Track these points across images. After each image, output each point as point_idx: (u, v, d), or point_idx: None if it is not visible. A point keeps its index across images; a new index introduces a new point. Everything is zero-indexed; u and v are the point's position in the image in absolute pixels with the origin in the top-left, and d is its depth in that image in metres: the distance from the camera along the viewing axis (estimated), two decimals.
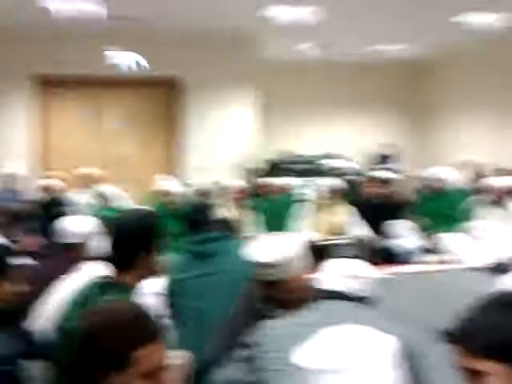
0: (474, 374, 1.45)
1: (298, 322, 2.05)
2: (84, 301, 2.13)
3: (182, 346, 3.06)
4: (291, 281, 2.36)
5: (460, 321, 1.50)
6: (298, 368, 1.25)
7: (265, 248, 2.38)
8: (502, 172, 8.55)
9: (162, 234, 2.32)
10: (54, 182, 7.19)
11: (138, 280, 2.25)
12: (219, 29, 8.75)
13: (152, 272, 2.30)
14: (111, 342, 1.38)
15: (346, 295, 2.14)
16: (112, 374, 1.37)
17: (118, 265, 2.24)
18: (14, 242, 5.25)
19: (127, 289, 2.16)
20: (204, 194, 6.87)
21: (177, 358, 2.94)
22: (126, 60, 8.11)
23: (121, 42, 8.19)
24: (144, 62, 8.18)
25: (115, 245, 2.27)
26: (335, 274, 2.20)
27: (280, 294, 2.35)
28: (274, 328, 2.07)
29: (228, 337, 2.50)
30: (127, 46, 8.14)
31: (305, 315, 2.10)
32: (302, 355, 1.27)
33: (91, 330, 1.42)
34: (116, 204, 6.96)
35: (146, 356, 1.38)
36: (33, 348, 2.59)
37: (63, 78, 8.76)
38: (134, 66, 8.19)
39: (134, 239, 2.23)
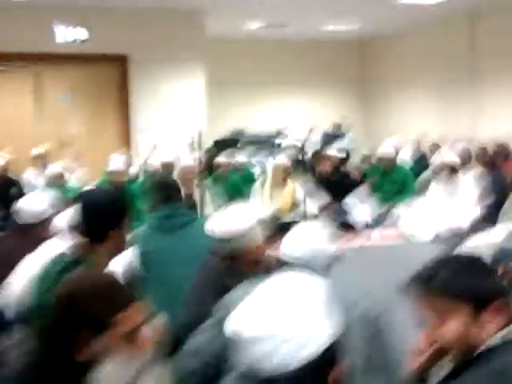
0: (439, 314, 1.50)
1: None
2: (48, 277, 2.13)
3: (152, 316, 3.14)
4: (249, 253, 2.40)
5: (425, 268, 1.57)
6: (230, 335, 1.22)
7: (222, 222, 2.43)
8: (449, 145, 8.83)
9: (129, 210, 2.37)
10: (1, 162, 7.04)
11: (110, 255, 2.28)
12: (169, 3, 8.68)
13: (121, 247, 2.36)
14: (92, 307, 1.47)
15: (304, 265, 2.18)
16: (93, 337, 1.45)
17: (92, 238, 2.25)
18: None
19: (94, 265, 2.17)
20: (169, 168, 6.91)
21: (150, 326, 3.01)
22: (73, 36, 7.89)
23: (64, 18, 7.98)
24: (92, 38, 7.99)
25: (89, 219, 2.27)
26: (294, 245, 2.29)
27: (240, 267, 2.39)
28: (236, 297, 2.12)
29: (194, 308, 2.55)
30: (74, 22, 7.94)
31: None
32: (232, 322, 1.24)
33: (72, 296, 1.51)
34: (70, 182, 6.90)
35: (124, 319, 1.48)
36: None
37: (3, 55, 8.48)
38: (80, 42, 7.98)
39: (108, 213, 2.27)
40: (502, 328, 1.48)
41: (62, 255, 2.25)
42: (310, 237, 2.31)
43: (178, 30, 9.05)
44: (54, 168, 6.78)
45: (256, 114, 11.87)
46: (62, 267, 2.13)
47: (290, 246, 2.32)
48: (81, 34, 7.91)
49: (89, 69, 8.99)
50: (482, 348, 1.47)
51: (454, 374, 1.51)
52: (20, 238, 3.53)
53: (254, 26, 10.55)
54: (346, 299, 2.12)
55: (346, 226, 6.62)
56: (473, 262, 1.57)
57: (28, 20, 8.29)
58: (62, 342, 1.47)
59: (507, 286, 1.70)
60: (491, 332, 1.47)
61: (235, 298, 2.09)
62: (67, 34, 7.88)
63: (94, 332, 1.45)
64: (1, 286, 3.10)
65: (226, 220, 2.43)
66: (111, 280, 1.58)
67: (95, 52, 8.56)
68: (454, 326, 1.48)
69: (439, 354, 1.56)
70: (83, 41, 7.92)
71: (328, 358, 1.19)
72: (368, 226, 6.86)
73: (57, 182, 6.39)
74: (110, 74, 9.13)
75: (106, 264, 2.26)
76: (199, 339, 2.13)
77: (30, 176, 7.47)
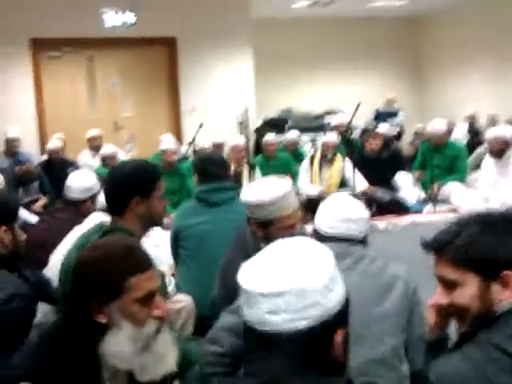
0: (449, 283, 1.51)
1: None
2: (84, 244, 2.13)
3: (186, 289, 3.19)
4: (286, 217, 2.42)
5: (442, 232, 1.56)
6: (243, 291, 1.19)
7: (258, 189, 2.46)
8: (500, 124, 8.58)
9: (159, 182, 2.28)
10: (57, 144, 7.26)
11: (139, 226, 2.23)
12: None
13: (152, 218, 2.26)
14: (105, 272, 1.49)
15: (343, 237, 2.16)
16: (107, 302, 1.49)
17: (112, 211, 2.26)
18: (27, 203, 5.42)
19: (128, 233, 2.16)
20: (219, 146, 7.08)
21: (179, 302, 3.06)
22: (121, 20, 8.00)
23: (112, 2, 8.10)
24: (140, 22, 8.08)
25: (108, 191, 2.29)
26: (332, 217, 2.22)
27: (276, 232, 2.40)
28: None
29: (228, 280, 2.54)
30: (119, 7, 8.04)
31: None
32: (244, 277, 1.20)
33: (85, 262, 1.54)
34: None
35: (138, 284, 1.50)
36: (40, 292, 2.72)
37: (55, 41, 8.69)
38: (129, 26, 8.09)
39: (124, 184, 2.22)
40: None
41: (99, 225, 2.29)
42: (344, 207, 2.24)
43: (225, 12, 9.08)
44: (107, 149, 6.96)
45: (305, 94, 11.76)
46: (98, 236, 2.16)
47: (323, 217, 2.25)
48: (129, 18, 8.02)
49: (138, 52, 9.12)
50: (492, 315, 1.47)
51: (463, 339, 1.51)
52: (70, 213, 3.66)
53: (300, 4, 10.45)
54: (387, 270, 2.14)
55: (395, 203, 6.56)
56: (496, 223, 1.51)
57: (77, 6, 8.46)
58: (79, 306, 1.51)
59: None
60: (503, 301, 1.47)
61: None
62: (116, 19, 8.01)
63: (108, 296, 1.49)
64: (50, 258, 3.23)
65: (262, 187, 2.47)
66: (126, 244, 1.56)
67: (144, 35, 8.67)
68: (465, 293, 1.49)
69: (450, 315, 1.56)
70: (131, 24, 8.03)
71: (336, 320, 1.15)
72: (415, 205, 6.78)
73: (110, 162, 6.54)
74: (160, 57, 9.24)
75: (141, 233, 2.25)
76: (232, 319, 2.05)
77: (85, 157, 7.71)
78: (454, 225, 1.55)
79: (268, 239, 2.44)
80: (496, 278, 1.46)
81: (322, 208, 2.26)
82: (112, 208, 2.26)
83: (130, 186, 2.21)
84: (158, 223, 2.38)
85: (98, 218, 3.04)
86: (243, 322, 1.18)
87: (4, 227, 2.46)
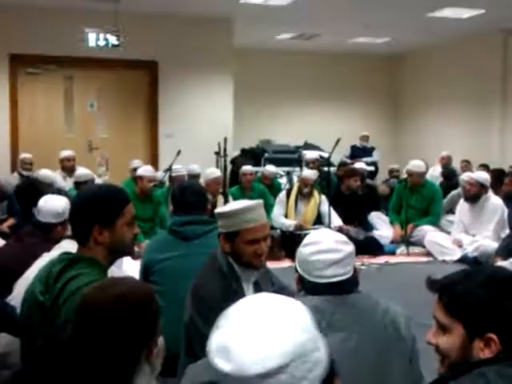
0: (441, 326, 1.54)
1: None
2: (47, 276, 2.05)
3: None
4: (249, 231, 2.47)
5: (448, 276, 1.57)
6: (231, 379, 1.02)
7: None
8: (477, 167, 8.68)
9: (126, 208, 2.16)
10: (29, 161, 7.14)
11: (104, 255, 2.12)
12: (197, 13, 8.72)
13: (117, 247, 2.14)
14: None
15: (332, 283, 2.01)
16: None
17: (77, 239, 2.15)
18: None
19: (96, 263, 2.07)
20: (195, 177, 6.98)
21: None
22: (101, 41, 7.93)
23: (96, 23, 8.05)
24: (123, 44, 8.02)
25: (70, 218, 2.20)
26: (317, 264, 2.03)
27: (240, 248, 2.49)
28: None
29: (200, 297, 2.51)
30: (103, 28, 7.99)
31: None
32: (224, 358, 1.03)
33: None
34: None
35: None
36: (4, 321, 2.58)
37: (34, 58, 8.59)
38: (112, 47, 8.01)
39: (84, 211, 2.11)
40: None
41: (62, 255, 2.15)
42: (326, 249, 2.05)
43: (207, 38, 9.10)
44: (82, 174, 6.72)
45: (283, 126, 11.80)
46: (61, 267, 2.04)
47: (306, 263, 2.06)
48: (112, 39, 7.96)
49: (118, 74, 9.07)
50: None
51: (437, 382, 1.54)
52: (38, 237, 3.54)
53: (283, 36, 10.54)
54: (375, 307, 2.04)
55: (369, 243, 6.55)
56: (502, 283, 1.51)
57: (61, 24, 8.41)
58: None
59: None
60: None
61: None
62: (99, 39, 7.94)
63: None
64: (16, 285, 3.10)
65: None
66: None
67: (125, 57, 8.62)
68: (450, 340, 1.51)
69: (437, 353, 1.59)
70: (114, 45, 7.96)
71: (332, 370, 1.09)
72: (388, 245, 6.78)
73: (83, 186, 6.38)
74: (140, 80, 9.20)
75: (107, 262, 2.14)
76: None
77: (57, 178, 7.53)
78: (463, 272, 1.58)
79: (235, 254, 2.49)
80: (481, 336, 1.46)
81: (302, 252, 2.09)
82: (76, 236, 2.16)
83: (91, 213, 2.09)
84: (127, 253, 2.26)
85: (67, 245, 2.93)
86: None
87: None
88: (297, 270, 2.08)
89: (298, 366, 1.00)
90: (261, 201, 2.61)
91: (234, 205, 2.55)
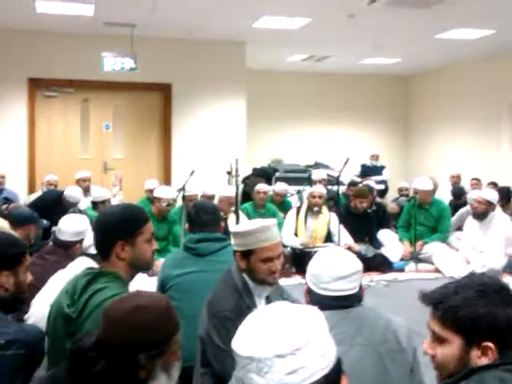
0: (437, 338, 1.59)
1: None
2: (73, 290, 2.18)
3: None
4: (263, 250, 2.61)
5: (440, 288, 1.63)
6: (250, 359, 1.15)
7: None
8: (486, 185, 8.76)
9: (145, 226, 2.31)
10: (54, 183, 7.34)
11: (126, 270, 2.26)
12: (211, 36, 8.93)
13: (138, 262, 2.28)
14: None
15: (337, 296, 2.14)
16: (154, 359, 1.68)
17: (100, 255, 2.30)
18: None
19: (118, 277, 2.20)
20: (209, 198, 7.00)
21: None
22: (116, 65, 8.17)
23: (112, 47, 8.29)
24: (138, 67, 8.25)
25: (95, 235, 2.33)
26: (324, 277, 2.17)
27: (255, 266, 2.63)
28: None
29: (216, 309, 2.63)
30: (118, 52, 8.22)
31: None
32: (248, 345, 1.17)
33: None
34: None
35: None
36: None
37: (51, 82, 8.84)
38: (128, 71, 8.25)
39: (107, 228, 2.26)
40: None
41: (86, 270, 2.29)
42: (335, 264, 2.19)
43: (220, 61, 9.31)
44: (98, 194, 6.90)
45: (295, 145, 11.98)
46: (86, 280, 2.18)
47: (314, 276, 2.22)
48: (128, 63, 8.20)
49: (133, 96, 9.28)
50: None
51: None
52: (59, 256, 3.69)
53: (294, 57, 10.71)
54: (377, 320, 2.16)
55: (378, 260, 6.64)
56: (493, 292, 1.57)
57: (78, 49, 8.67)
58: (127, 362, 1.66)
59: None
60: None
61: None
62: (114, 64, 8.18)
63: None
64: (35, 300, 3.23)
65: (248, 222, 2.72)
66: (165, 304, 1.77)
67: (140, 80, 8.84)
68: (447, 351, 1.56)
69: (433, 362, 1.64)
70: (131, 69, 8.20)
71: (339, 367, 1.20)
72: (397, 263, 6.86)
73: (101, 206, 6.54)
74: (154, 102, 9.40)
75: (128, 277, 2.28)
76: None
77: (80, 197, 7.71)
78: (454, 284, 1.62)
79: (250, 271, 2.64)
80: (478, 345, 1.52)
81: (312, 265, 2.24)
82: (99, 252, 2.31)
83: (113, 230, 2.25)
84: (146, 267, 2.40)
85: (83, 262, 3.07)
86: None
87: (5, 272, 2.36)
88: (306, 283, 2.24)
89: (309, 353, 1.13)
90: (275, 220, 2.75)
91: (250, 224, 2.66)
